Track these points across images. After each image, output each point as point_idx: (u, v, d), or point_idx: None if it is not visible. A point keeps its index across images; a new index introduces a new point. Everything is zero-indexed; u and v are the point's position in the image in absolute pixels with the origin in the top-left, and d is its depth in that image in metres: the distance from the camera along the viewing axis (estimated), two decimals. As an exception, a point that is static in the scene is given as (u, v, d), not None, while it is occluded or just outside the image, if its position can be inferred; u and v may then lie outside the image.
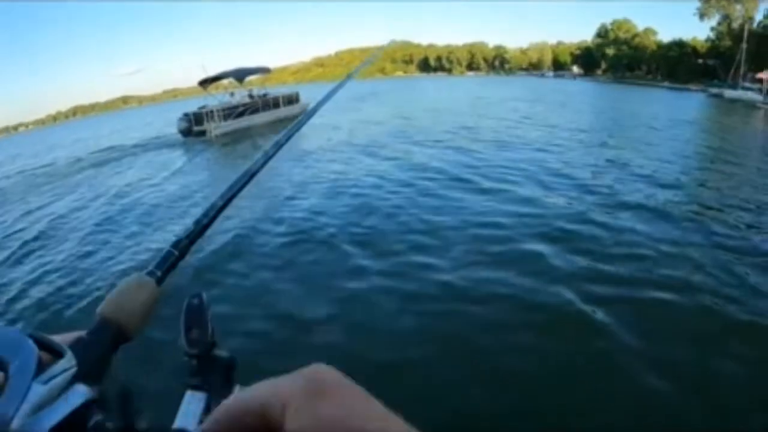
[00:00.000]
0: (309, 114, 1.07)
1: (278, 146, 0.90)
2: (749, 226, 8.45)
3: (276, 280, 6.60)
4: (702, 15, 60.97)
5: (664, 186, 11.11)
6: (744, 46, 48.42)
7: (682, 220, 8.72)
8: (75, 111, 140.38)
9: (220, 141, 23.38)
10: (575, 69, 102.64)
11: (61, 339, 0.46)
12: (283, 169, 13.35)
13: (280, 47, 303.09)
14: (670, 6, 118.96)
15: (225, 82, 30.59)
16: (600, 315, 5.11)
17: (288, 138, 0.93)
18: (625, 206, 9.36)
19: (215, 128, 24.26)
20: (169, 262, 0.65)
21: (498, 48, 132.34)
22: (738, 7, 56.01)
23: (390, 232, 8.23)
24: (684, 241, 7.39)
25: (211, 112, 24.70)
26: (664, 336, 4.73)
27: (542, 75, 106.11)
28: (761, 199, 10.05)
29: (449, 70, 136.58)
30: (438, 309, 5.50)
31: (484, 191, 10.60)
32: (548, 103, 36.79)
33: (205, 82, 28.19)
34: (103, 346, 0.52)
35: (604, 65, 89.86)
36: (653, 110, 34.18)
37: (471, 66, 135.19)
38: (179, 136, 24.94)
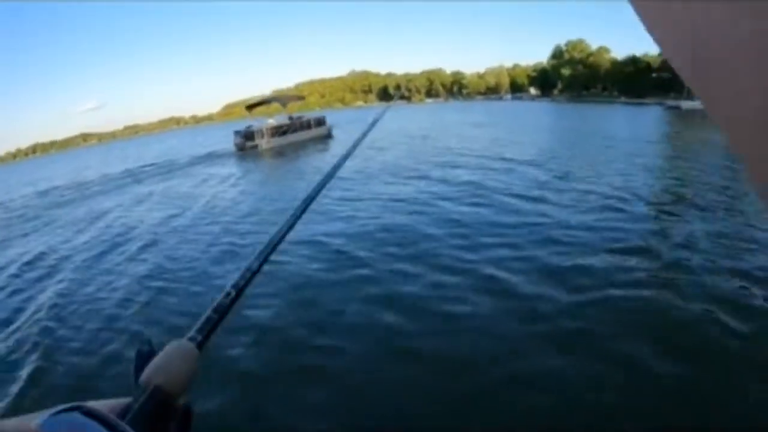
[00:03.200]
0: (348, 154, 1.17)
1: (308, 201, 0.90)
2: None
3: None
4: (654, 30, 62.12)
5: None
6: (698, 57, 49.04)
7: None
8: (35, 149, 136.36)
9: (268, 154, 28.87)
10: (532, 90, 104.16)
11: (109, 407, 0.51)
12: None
13: (241, 80, 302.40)
14: (622, 24, 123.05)
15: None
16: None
17: (323, 185, 0.96)
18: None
19: (266, 143, 30.68)
20: (210, 325, 0.66)
21: (455, 74, 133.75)
22: (689, 19, 57.00)
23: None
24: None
25: (261, 131, 31.07)
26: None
27: (500, 98, 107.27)
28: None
29: (408, 98, 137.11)
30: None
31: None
32: (512, 127, 35.98)
33: (251, 106, 35.28)
34: (153, 413, 0.56)
35: (560, 85, 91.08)
36: (613, 128, 33.64)
37: (430, 93, 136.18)
38: (235, 150, 31.33)
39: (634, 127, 34.23)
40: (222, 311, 0.66)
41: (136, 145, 67.54)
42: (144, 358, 0.70)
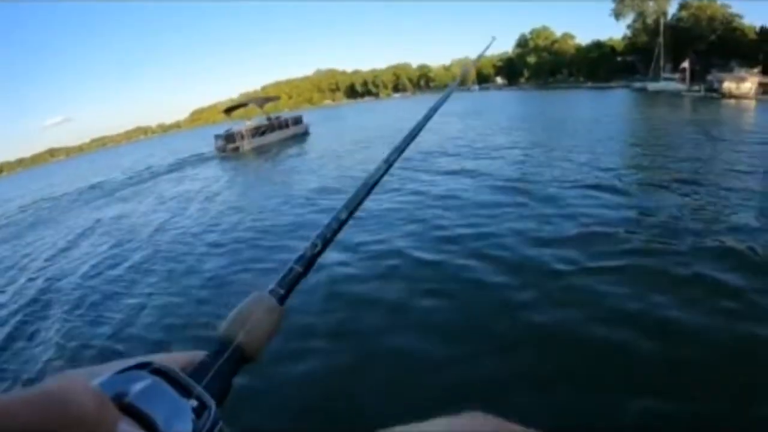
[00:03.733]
0: (426, 118, 1.07)
1: (399, 152, 0.89)
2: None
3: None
4: (617, 15, 63.34)
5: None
6: (660, 39, 49.92)
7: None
8: (1, 168, 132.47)
9: (250, 154, 30.20)
10: (499, 80, 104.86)
11: (182, 361, 0.48)
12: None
13: (206, 86, 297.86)
14: (585, 10, 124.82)
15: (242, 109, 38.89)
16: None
17: (407, 145, 0.92)
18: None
19: (247, 144, 31.77)
20: (293, 279, 0.61)
21: (422, 67, 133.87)
22: (651, 3, 58.28)
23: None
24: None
25: (241, 132, 32.03)
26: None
27: (468, 89, 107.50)
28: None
29: (376, 94, 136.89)
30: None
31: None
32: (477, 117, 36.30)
33: (230, 110, 37.53)
34: (229, 371, 0.52)
35: (527, 73, 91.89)
36: (583, 112, 34.56)
37: (397, 87, 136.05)
38: (217, 152, 32.04)
39: (603, 109, 35.20)
40: (306, 264, 0.62)
41: (110, 156, 65.60)
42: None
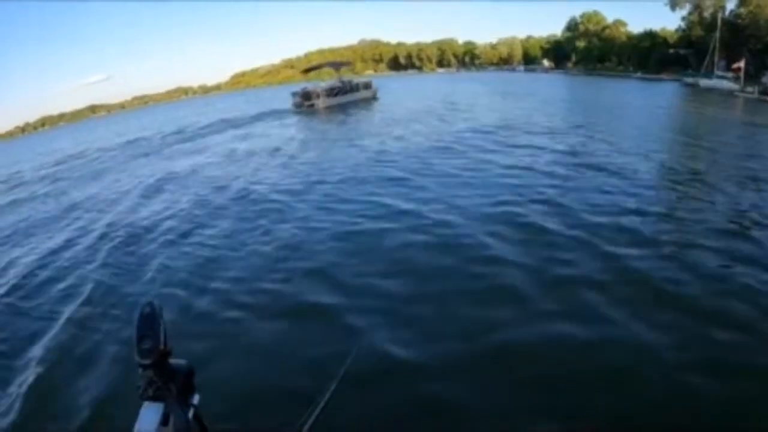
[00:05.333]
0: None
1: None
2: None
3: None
4: (673, 5, 61.43)
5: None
6: (717, 35, 48.88)
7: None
8: (43, 122, 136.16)
9: (324, 111, 34.82)
10: (546, 63, 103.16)
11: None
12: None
13: (248, 50, 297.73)
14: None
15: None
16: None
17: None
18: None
19: (322, 102, 36.24)
20: None
21: (467, 44, 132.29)
22: (709, -4, 56.62)
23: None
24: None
25: (317, 92, 36.55)
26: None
27: (513, 69, 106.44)
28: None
29: (420, 68, 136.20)
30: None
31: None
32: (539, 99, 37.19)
33: (308, 70, 46.19)
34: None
35: (574, 58, 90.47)
36: (634, 102, 34.97)
37: (441, 63, 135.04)
38: (293, 108, 37.35)
39: (653, 102, 35.33)
40: None
41: (181, 111, 67.79)
42: (149, 320, 1.15)
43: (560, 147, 16.06)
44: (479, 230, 8.24)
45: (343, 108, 35.25)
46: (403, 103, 38.60)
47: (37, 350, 5.79)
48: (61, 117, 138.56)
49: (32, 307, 7.19)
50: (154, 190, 14.80)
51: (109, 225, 11.20)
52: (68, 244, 10.34)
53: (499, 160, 14.06)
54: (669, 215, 8.94)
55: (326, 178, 13.70)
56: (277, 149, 20.00)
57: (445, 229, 8.45)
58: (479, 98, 39.46)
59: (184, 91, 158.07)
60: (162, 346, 1.11)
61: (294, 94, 37.73)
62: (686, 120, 25.46)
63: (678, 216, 8.88)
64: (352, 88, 40.47)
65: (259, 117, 36.33)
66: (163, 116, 53.48)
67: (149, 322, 1.11)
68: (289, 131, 27.37)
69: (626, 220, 8.46)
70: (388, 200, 10.60)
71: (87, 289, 7.51)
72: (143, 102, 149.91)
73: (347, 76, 44.44)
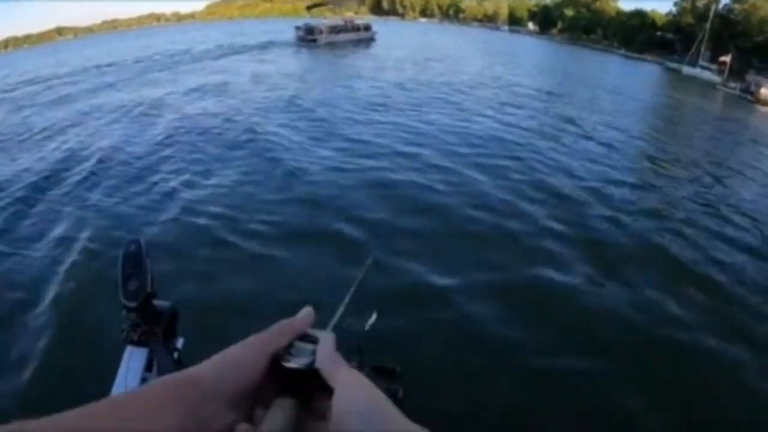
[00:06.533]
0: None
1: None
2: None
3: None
4: (669, -10, 62.27)
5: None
6: (708, 25, 50.05)
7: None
8: (7, 43, 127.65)
9: (325, 47, 36.92)
10: (531, 26, 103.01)
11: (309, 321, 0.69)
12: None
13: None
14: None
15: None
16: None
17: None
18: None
19: (324, 38, 38.29)
20: None
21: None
22: (706, -14, 57.51)
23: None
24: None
25: (320, 28, 38.67)
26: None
27: (497, 28, 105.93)
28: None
29: (402, 15, 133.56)
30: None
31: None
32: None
33: (311, 7, 50.40)
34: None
35: (560, 25, 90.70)
36: (615, 81, 36.11)
37: (425, 12, 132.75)
38: (296, 41, 38.96)
39: (635, 83, 36.80)
40: None
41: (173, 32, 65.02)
42: (134, 258, 1.10)
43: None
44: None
45: (342, 45, 37.79)
46: (395, 45, 41.36)
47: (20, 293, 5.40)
48: (26, 38, 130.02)
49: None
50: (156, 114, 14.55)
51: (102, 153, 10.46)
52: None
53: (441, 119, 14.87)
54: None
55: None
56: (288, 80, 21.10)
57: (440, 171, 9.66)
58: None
59: (157, 18, 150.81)
60: (148, 288, 1.07)
61: (297, 28, 39.16)
62: (664, 105, 26.90)
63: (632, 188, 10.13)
64: (354, 27, 42.63)
65: (266, 45, 37.62)
66: (141, 42, 50.00)
67: (135, 261, 1.07)
68: (298, 62, 30.17)
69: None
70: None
71: (67, 220, 7.13)
72: (113, 26, 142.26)
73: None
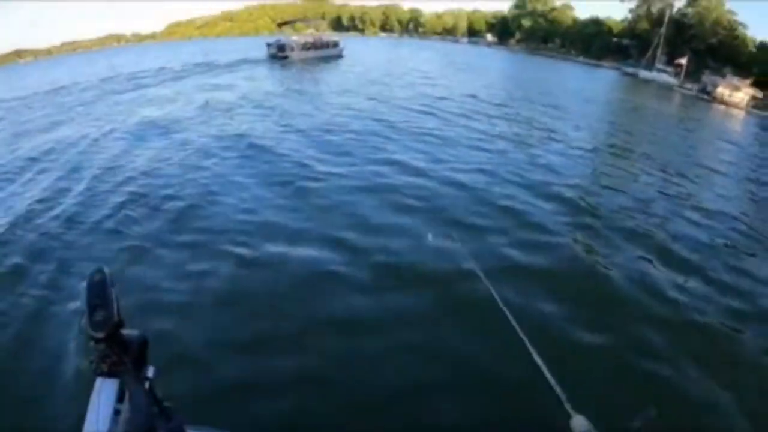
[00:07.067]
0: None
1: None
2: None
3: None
4: (624, -3, 63.97)
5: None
6: (663, 30, 51.39)
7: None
8: None
9: (297, 63, 38.01)
10: (489, 37, 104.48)
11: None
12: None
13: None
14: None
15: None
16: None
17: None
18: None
19: (296, 55, 39.42)
20: None
21: (413, 10, 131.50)
22: (660, -8, 59.20)
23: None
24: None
25: (291, 44, 39.69)
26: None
27: (456, 41, 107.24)
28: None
29: (362, 30, 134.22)
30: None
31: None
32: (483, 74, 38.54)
33: (282, 24, 48.35)
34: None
35: (518, 35, 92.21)
36: (574, 84, 36.83)
37: (384, 27, 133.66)
38: (268, 57, 39.80)
39: (594, 87, 37.48)
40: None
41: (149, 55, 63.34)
42: (100, 288, 1.10)
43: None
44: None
45: (314, 62, 39.05)
46: (364, 60, 42.71)
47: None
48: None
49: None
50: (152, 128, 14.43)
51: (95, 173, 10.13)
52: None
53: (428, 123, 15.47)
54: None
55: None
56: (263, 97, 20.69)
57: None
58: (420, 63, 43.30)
59: (117, 39, 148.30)
60: (116, 317, 1.06)
61: (269, 45, 40.61)
62: (625, 108, 27.63)
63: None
64: (323, 44, 44.00)
65: (239, 63, 37.37)
66: (107, 62, 49.09)
67: (100, 291, 1.07)
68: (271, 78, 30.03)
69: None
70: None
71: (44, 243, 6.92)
72: (72, 48, 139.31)
73: (296, 34, 46.25)
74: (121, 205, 8.06)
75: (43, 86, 29.30)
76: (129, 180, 9.41)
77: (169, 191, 8.68)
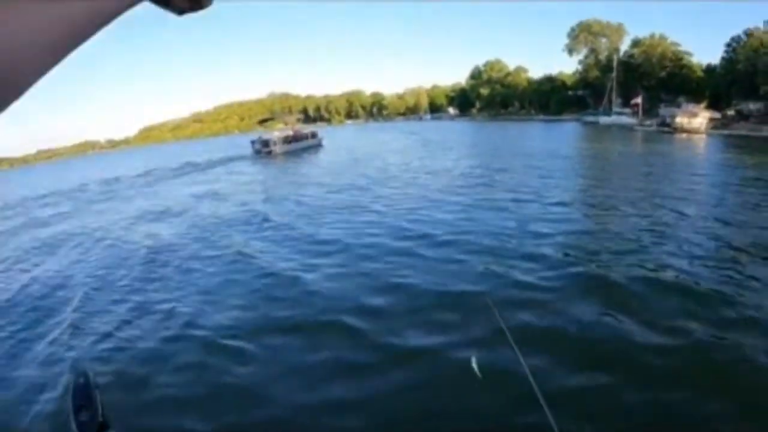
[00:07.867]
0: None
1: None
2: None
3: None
4: (570, 50, 65.91)
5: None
6: (614, 75, 52.25)
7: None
8: None
9: (280, 157, 39.96)
10: (451, 110, 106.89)
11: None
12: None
13: (156, 104, 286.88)
14: (537, 44, 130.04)
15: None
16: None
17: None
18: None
19: (280, 149, 41.82)
20: None
21: (375, 95, 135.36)
22: (604, 40, 61.11)
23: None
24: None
25: (273, 140, 41.99)
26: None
27: (420, 118, 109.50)
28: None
29: (329, 120, 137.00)
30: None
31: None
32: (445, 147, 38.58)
33: (262, 121, 52.95)
34: None
35: (479, 104, 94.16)
36: (537, 143, 36.36)
37: (350, 114, 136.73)
38: (253, 153, 42.34)
39: (556, 142, 37.11)
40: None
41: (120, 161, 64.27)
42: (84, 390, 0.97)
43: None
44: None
45: (296, 154, 41.87)
46: (341, 148, 46.10)
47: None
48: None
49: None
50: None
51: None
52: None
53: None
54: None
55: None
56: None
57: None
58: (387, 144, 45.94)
59: (92, 146, 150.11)
60: (99, 418, 1.11)
61: (253, 142, 43.35)
62: (592, 155, 27.73)
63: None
64: (303, 136, 47.29)
65: (226, 160, 41.19)
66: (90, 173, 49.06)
67: (85, 392, 1.10)
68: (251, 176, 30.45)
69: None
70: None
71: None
72: (47, 156, 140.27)
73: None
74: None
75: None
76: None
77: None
